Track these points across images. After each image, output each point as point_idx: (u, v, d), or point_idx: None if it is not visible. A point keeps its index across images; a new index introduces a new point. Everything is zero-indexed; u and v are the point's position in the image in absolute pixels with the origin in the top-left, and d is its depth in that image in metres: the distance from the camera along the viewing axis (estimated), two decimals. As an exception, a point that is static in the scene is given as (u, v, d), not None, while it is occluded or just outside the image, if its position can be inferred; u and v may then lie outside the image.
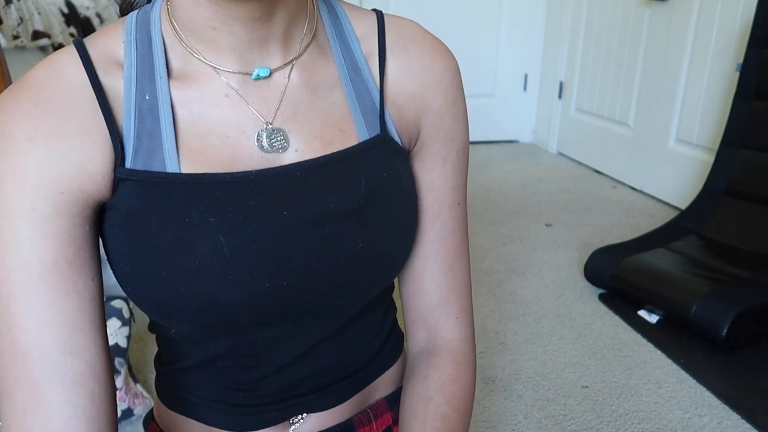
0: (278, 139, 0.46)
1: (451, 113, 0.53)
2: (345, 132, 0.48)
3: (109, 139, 0.42)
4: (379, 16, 0.52)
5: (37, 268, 0.39)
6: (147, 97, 0.43)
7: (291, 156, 0.46)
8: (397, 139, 0.50)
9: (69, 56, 0.43)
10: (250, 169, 0.44)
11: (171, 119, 0.43)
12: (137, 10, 0.47)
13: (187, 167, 0.43)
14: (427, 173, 0.53)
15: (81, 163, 0.41)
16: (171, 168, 0.43)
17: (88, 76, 0.42)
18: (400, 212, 0.50)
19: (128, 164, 0.42)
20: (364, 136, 0.48)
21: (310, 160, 0.46)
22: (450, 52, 0.53)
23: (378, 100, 0.49)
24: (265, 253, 0.44)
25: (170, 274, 0.42)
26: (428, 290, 0.56)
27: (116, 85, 0.44)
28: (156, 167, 0.42)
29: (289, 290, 0.45)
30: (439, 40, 0.53)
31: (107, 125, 0.42)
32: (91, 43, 0.44)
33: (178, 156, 0.43)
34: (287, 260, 0.44)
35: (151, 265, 0.42)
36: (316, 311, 0.48)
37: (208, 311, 0.44)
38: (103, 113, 0.42)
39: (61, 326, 0.39)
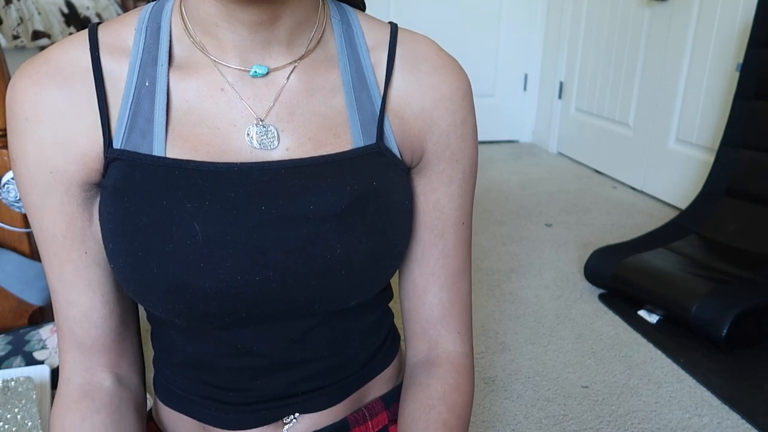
0: (268, 136, 0.46)
1: (459, 133, 0.52)
2: (339, 137, 0.48)
3: (99, 121, 0.44)
4: (394, 29, 0.52)
5: (45, 234, 0.47)
6: (147, 84, 0.45)
7: (280, 154, 0.46)
8: (395, 151, 0.50)
9: (79, 39, 0.46)
10: (237, 161, 0.45)
11: (164, 105, 0.45)
12: (155, 1, 0.49)
13: (174, 153, 0.44)
14: (433, 191, 0.53)
15: (68, 144, 0.44)
16: (157, 151, 0.44)
17: (92, 59, 0.45)
18: (387, 224, 0.49)
19: (119, 145, 0.44)
20: (359, 143, 0.48)
21: (297, 159, 0.46)
22: (463, 71, 0.53)
23: (379, 109, 0.49)
24: (240, 246, 0.44)
25: (145, 254, 0.43)
26: (431, 305, 0.56)
27: (119, 69, 0.45)
28: (144, 149, 0.44)
29: (262, 286, 0.45)
30: (453, 59, 0.53)
31: (99, 108, 0.44)
32: (104, 28, 0.47)
33: (166, 141, 0.45)
34: (262, 255, 0.44)
35: (128, 243, 0.44)
36: (293, 312, 0.48)
37: (179, 297, 0.44)
38: (98, 96, 0.44)
39: (63, 283, 0.49)
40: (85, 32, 0.46)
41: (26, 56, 2.09)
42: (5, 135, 0.95)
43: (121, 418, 0.50)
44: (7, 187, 0.97)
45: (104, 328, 0.50)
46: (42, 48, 2.19)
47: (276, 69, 0.47)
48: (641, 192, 2.56)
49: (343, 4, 0.53)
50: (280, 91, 0.47)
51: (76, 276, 0.48)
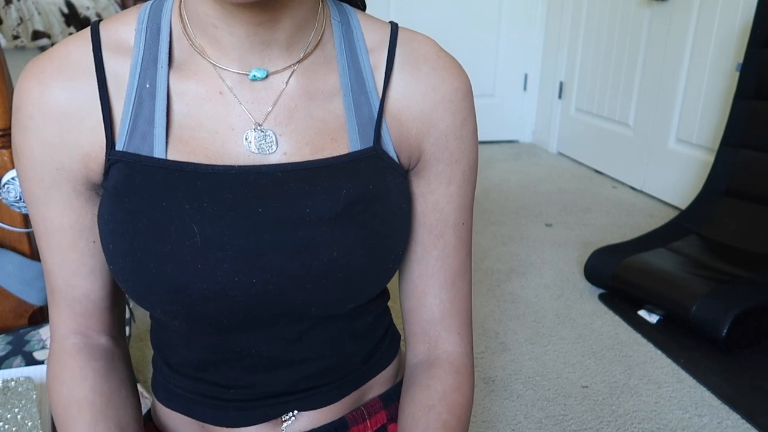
0: (266, 140, 0.46)
1: (458, 134, 0.52)
2: (337, 141, 0.48)
3: (102, 122, 0.44)
4: (394, 29, 0.51)
5: (49, 225, 0.48)
6: (147, 85, 0.45)
7: (278, 158, 0.46)
8: (392, 154, 0.50)
9: (82, 38, 0.46)
10: (236, 165, 0.45)
11: (165, 107, 0.45)
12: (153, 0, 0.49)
13: (174, 155, 0.45)
14: (432, 193, 0.53)
15: (72, 144, 0.45)
16: (158, 154, 0.44)
17: (95, 59, 0.45)
18: (384, 227, 0.48)
19: (121, 147, 0.44)
20: (356, 146, 0.48)
21: (294, 163, 0.46)
22: (463, 71, 0.52)
23: (377, 112, 0.49)
24: (237, 247, 0.44)
25: (144, 255, 0.44)
26: (431, 306, 0.56)
27: (122, 70, 0.45)
28: (145, 151, 0.44)
29: (260, 288, 0.45)
30: (454, 59, 0.52)
31: (102, 109, 0.44)
32: (105, 27, 0.47)
33: (167, 144, 0.45)
34: (259, 258, 0.44)
35: (128, 244, 0.44)
36: (291, 314, 0.48)
37: (177, 298, 0.44)
38: (101, 97, 0.44)
39: (66, 268, 0.50)
40: (87, 31, 0.46)
41: (26, 56, 2.09)
42: (5, 135, 0.95)
43: (116, 366, 0.54)
44: (7, 187, 0.97)
45: (101, 304, 0.53)
46: (42, 48, 2.19)
47: (275, 72, 0.47)
48: (641, 192, 2.56)
49: (344, 4, 0.52)
50: (279, 96, 0.47)
51: (81, 264, 0.50)
